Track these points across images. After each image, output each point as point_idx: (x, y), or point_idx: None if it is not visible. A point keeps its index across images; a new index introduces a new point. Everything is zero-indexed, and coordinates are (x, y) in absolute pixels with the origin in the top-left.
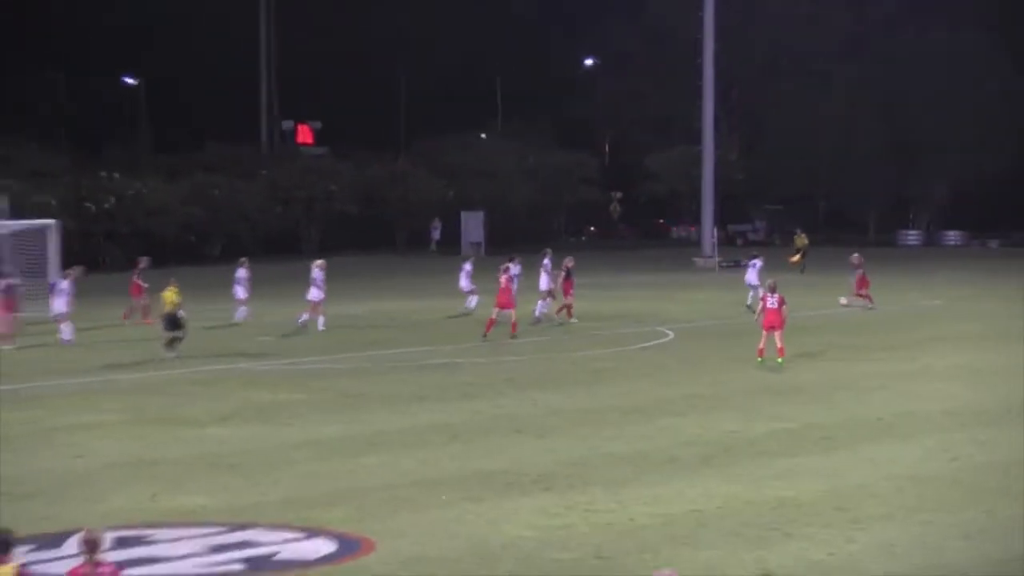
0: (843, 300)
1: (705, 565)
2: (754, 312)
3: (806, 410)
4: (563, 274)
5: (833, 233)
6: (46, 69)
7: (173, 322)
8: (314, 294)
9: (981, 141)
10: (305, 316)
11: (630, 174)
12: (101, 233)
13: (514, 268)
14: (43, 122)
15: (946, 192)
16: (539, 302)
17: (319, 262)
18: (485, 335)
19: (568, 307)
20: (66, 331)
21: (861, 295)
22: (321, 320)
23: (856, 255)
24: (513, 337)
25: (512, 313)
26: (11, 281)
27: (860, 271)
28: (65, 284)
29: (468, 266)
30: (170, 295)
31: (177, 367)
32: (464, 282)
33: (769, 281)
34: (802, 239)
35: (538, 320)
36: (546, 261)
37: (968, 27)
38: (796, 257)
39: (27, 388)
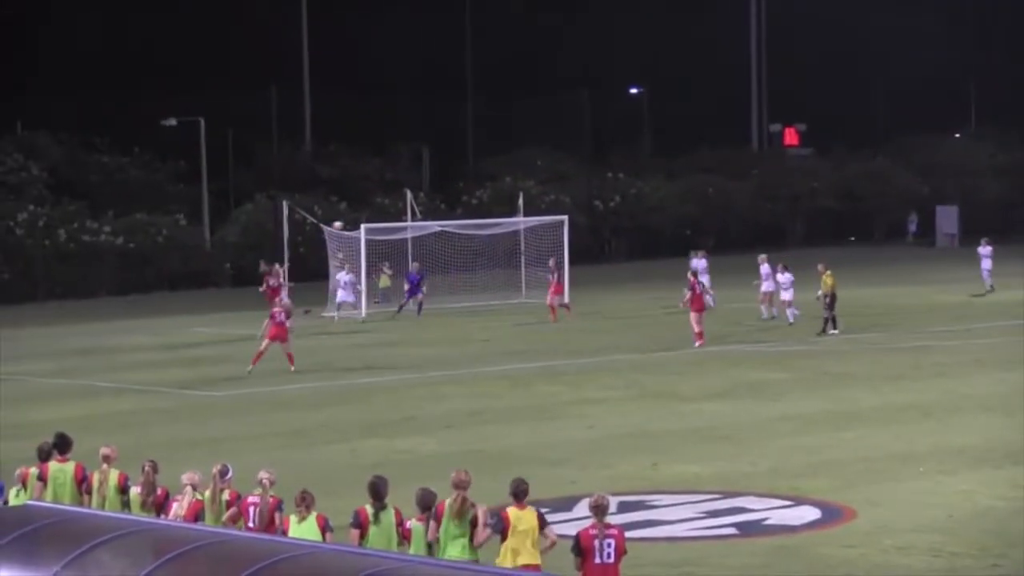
0: None
1: None
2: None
3: None
4: None
5: None
6: (569, 87)
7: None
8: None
9: None
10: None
11: None
12: (607, 228)
13: None
14: (564, 132)
15: None
16: None
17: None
18: None
19: None
20: (789, 314)
21: None
22: (790, 312)
23: None
24: None
25: None
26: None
27: None
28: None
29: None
30: (829, 279)
31: (677, 348)
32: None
33: None
34: None
35: None
36: None
37: None
38: None
39: (556, 365)
